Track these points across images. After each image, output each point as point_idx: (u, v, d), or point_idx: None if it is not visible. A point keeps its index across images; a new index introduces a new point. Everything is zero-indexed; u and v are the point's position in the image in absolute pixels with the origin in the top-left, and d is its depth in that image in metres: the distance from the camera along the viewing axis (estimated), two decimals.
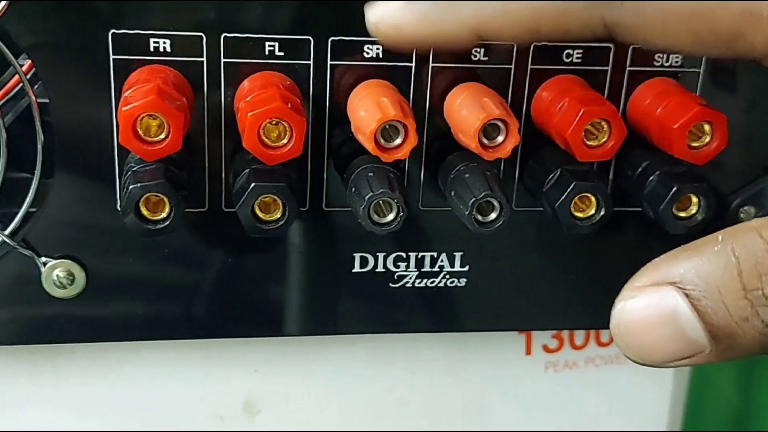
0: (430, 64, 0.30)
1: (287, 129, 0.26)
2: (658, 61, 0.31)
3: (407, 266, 0.33)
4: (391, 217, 0.28)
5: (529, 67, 0.30)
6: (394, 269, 0.33)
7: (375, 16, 0.24)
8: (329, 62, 0.29)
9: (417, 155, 0.31)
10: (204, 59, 0.29)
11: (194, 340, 0.35)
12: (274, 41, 0.29)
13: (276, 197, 0.27)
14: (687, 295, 0.20)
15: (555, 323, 0.35)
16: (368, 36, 0.24)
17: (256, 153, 0.26)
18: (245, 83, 0.29)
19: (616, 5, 0.22)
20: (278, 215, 0.27)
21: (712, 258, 0.21)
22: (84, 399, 0.37)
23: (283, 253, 0.32)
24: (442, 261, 0.33)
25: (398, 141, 0.27)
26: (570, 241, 0.33)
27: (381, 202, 0.28)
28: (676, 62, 0.31)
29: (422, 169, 0.31)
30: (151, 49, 0.28)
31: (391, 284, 0.33)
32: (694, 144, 0.29)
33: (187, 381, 0.37)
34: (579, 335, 0.42)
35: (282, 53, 0.29)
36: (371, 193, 0.27)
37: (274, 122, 0.26)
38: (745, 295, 0.20)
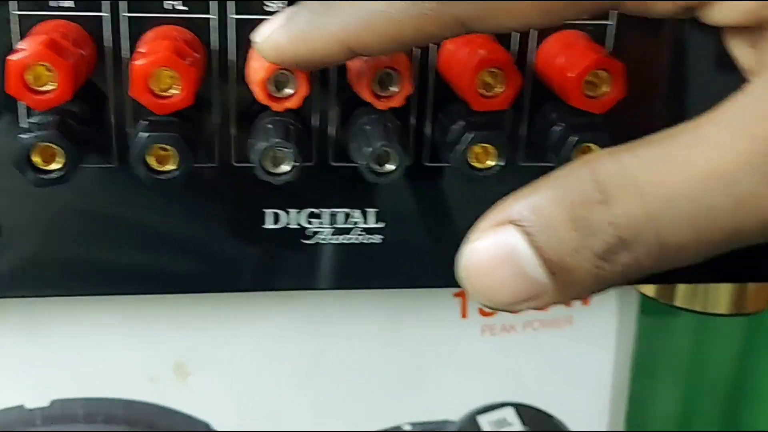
0: None
1: (177, 79, 0.26)
2: None
3: (320, 222, 0.33)
4: (285, 167, 0.28)
5: None
6: (306, 225, 0.33)
7: (259, 36, 0.25)
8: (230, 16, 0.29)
9: (325, 108, 0.31)
10: (109, 14, 0.29)
11: (119, 299, 0.36)
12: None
13: (170, 147, 0.27)
14: (525, 233, 0.21)
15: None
16: None
17: (146, 103, 0.26)
18: (147, 35, 0.29)
19: (463, 1, 0.22)
20: (173, 166, 0.28)
21: (545, 192, 0.21)
22: (13, 359, 0.37)
23: (194, 209, 0.32)
24: (356, 217, 0.33)
25: (290, 91, 0.27)
26: (484, 196, 0.33)
27: (275, 152, 0.28)
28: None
29: (333, 123, 0.31)
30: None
31: (304, 240, 0.33)
32: (592, 93, 0.28)
33: (116, 343, 0.38)
34: None
35: (186, 8, 0.29)
36: (266, 144, 0.27)
37: (166, 73, 0.26)
38: (573, 226, 0.20)
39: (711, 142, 0.20)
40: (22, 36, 0.28)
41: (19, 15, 0.28)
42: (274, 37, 0.25)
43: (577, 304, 0.42)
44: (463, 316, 0.41)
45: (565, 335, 0.43)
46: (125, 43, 0.29)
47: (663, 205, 0.20)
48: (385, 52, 0.24)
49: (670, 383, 0.61)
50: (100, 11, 0.29)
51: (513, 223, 0.21)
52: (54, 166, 0.27)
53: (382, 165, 0.28)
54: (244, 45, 0.29)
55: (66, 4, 0.28)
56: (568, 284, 0.21)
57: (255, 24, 0.29)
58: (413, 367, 0.41)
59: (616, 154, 0.21)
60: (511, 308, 0.22)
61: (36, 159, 0.27)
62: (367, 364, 0.41)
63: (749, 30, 0.23)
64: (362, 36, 0.23)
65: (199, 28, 0.29)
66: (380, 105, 0.27)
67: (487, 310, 0.41)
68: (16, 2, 0.28)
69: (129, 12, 0.29)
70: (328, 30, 0.24)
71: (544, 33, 0.31)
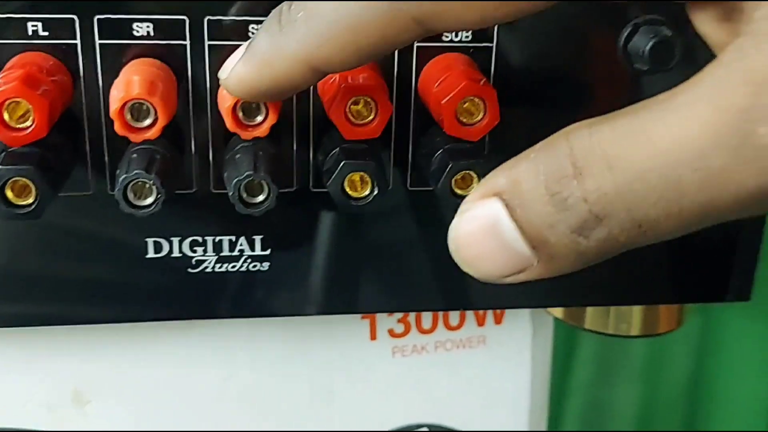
0: (207, 43, 0.29)
1: (29, 110, 0.26)
2: (447, 37, 0.30)
3: (204, 251, 0.32)
4: (149, 200, 0.27)
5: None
6: (191, 254, 0.32)
7: (223, 73, 0.25)
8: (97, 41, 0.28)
9: (203, 138, 0.30)
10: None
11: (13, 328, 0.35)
12: (37, 21, 0.28)
13: (25, 179, 0.26)
14: (507, 205, 0.20)
15: (359, 306, 0.35)
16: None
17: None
18: (9, 62, 0.28)
19: (416, 2, 0.21)
20: (31, 199, 0.27)
21: (525, 164, 0.21)
22: None
23: (74, 238, 0.31)
24: (241, 245, 0.32)
25: (148, 121, 0.26)
26: (369, 223, 0.32)
27: (138, 183, 0.27)
28: (467, 37, 0.30)
29: (210, 151, 0.30)
30: None
31: (189, 269, 0.32)
32: (467, 120, 0.28)
33: (12, 372, 0.37)
34: (426, 319, 0.41)
35: (46, 33, 0.28)
36: (125, 175, 0.27)
37: (15, 102, 0.26)
38: (550, 201, 0.20)
39: (680, 114, 0.19)
40: None
41: None
42: (237, 70, 0.24)
43: (490, 323, 0.42)
44: (372, 338, 0.40)
45: (479, 355, 0.42)
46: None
47: (632, 180, 0.20)
48: (350, 67, 0.23)
49: (628, 388, 0.61)
50: None
51: (497, 195, 0.21)
52: (27, 200, 0.26)
53: (253, 195, 0.28)
54: (113, 70, 0.28)
55: None
56: (550, 258, 0.21)
57: (122, 48, 0.28)
58: (324, 390, 0.41)
59: (593, 125, 0.20)
60: (500, 281, 0.22)
61: (8, 193, 0.26)
62: (277, 389, 0.40)
63: (716, 4, 0.22)
64: (323, 51, 0.22)
65: (64, 54, 0.28)
66: (245, 135, 0.27)
67: (394, 335, 0.41)
68: None
69: None
70: (288, 50, 0.23)
71: (425, 56, 0.30)
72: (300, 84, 0.23)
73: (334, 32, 0.22)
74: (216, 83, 0.29)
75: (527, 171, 0.21)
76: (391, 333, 0.41)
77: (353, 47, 0.22)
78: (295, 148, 0.31)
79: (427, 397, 0.42)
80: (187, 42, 0.29)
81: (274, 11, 0.23)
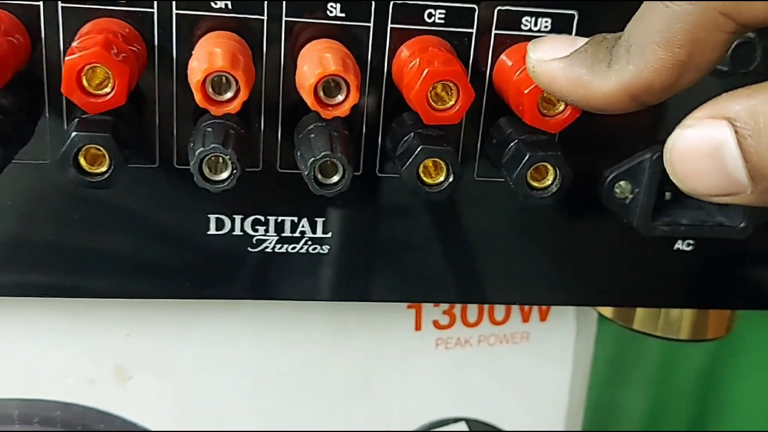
0: (284, 19, 0.28)
1: (110, 76, 0.25)
2: (526, 25, 0.29)
3: (266, 230, 0.31)
4: (224, 174, 0.27)
5: (390, 26, 0.29)
6: (252, 233, 0.31)
7: (535, 56, 0.26)
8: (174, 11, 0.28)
9: (274, 115, 0.30)
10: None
11: (61, 300, 0.34)
12: None
13: (100, 148, 0.26)
14: (737, 133, 0.21)
15: (424, 295, 0.34)
16: None
17: (78, 101, 0.25)
18: (84, 27, 0.27)
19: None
20: (104, 168, 0.26)
21: (766, 99, 0.21)
22: None
23: (138, 211, 0.31)
24: (303, 226, 0.32)
25: (229, 95, 0.26)
26: (437, 210, 0.32)
27: (213, 158, 0.26)
28: (546, 26, 0.29)
29: (279, 129, 0.30)
30: None
31: (249, 248, 0.32)
32: (548, 112, 0.27)
33: (56, 343, 0.36)
34: (472, 312, 0.41)
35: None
36: (203, 149, 0.26)
37: (94, 69, 0.25)
38: None
39: None
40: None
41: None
42: (551, 68, 0.25)
43: (534, 320, 0.41)
44: (417, 328, 0.40)
45: (522, 351, 0.42)
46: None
47: None
48: (672, 88, 0.24)
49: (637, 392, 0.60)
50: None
51: (728, 120, 0.21)
52: (100, 169, 0.26)
53: (327, 176, 0.27)
54: (187, 41, 0.28)
55: None
56: (765, 191, 0.21)
57: (200, 20, 0.28)
58: (363, 378, 0.40)
59: None
60: (706, 198, 0.22)
61: (81, 161, 0.26)
62: (315, 374, 0.40)
63: None
64: (652, 87, 0.23)
65: (140, 23, 0.28)
66: (326, 114, 0.26)
67: None
68: None
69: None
70: (612, 83, 0.24)
71: (502, 45, 0.30)
72: (609, 107, 0.24)
73: (668, 73, 0.23)
74: (289, 61, 0.29)
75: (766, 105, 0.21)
76: (436, 324, 0.40)
77: (679, 66, 0.23)
78: (364, 131, 0.30)
79: (466, 390, 0.42)
80: (265, 17, 0.28)
81: (607, 42, 0.24)
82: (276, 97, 0.29)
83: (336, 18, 0.29)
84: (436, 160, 0.28)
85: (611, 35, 0.25)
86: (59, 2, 0.27)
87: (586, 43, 0.25)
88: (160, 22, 0.28)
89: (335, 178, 0.27)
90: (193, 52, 0.27)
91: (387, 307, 0.39)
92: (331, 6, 0.28)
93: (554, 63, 0.25)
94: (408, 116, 0.29)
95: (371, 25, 0.29)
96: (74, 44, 0.26)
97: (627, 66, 0.23)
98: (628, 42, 0.23)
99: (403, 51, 0.29)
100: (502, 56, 0.29)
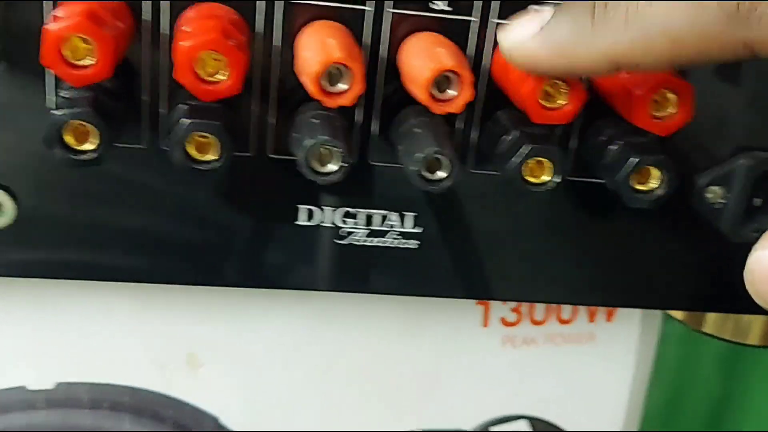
0: (389, 11, 0.28)
1: (226, 64, 0.25)
2: None
3: (355, 223, 0.31)
4: (332, 167, 0.26)
5: (490, 20, 0.28)
6: (341, 225, 0.31)
7: (508, 43, 0.25)
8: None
9: (370, 107, 0.29)
10: None
11: (135, 284, 0.34)
12: None
13: (211, 136, 0.26)
14: None
15: (509, 294, 0.34)
16: None
17: (190, 87, 0.25)
18: (189, 12, 0.27)
19: (756, 24, 0.21)
20: (213, 156, 0.26)
21: None
22: (19, 339, 0.35)
23: (225, 198, 0.30)
24: (393, 220, 0.31)
25: (343, 86, 0.26)
26: (529, 209, 0.32)
27: (322, 150, 0.26)
28: None
29: (375, 121, 0.30)
30: None
31: (336, 240, 0.31)
32: (658, 114, 0.27)
33: (128, 328, 0.36)
34: (539, 310, 0.40)
35: None
36: (313, 140, 0.26)
37: (213, 56, 0.25)
38: None
39: None
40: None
41: None
42: (529, 46, 0.24)
43: (601, 320, 0.41)
44: (485, 325, 0.40)
45: (586, 351, 0.42)
46: (165, 19, 0.27)
47: None
48: (657, 70, 0.24)
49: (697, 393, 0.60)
50: None
51: None
52: (87, 146, 0.25)
53: (432, 172, 0.27)
54: (290, 30, 0.28)
55: None
56: None
57: (304, 9, 0.28)
58: (429, 373, 0.40)
59: None
60: None
61: (68, 138, 0.25)
62: (383, 368, 0.40)
63: None
64: (636, 55, 0.22)
65: (244, 9, 0.28)
66: (438, 109, 0.26)
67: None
68: None
69: None
70: (597, 47, 0.23)
71: None
72: (595, 74, 0.24)
73: (656, 41, 0.22)
74: (389, 53, 0.28)
75: None
76: (504, 321, 0.40)
77: (668, 55, 0.22)
78: (458, 126, 0.30)
79: (530, 388, 0.42)
80: (372, 8, 0.28)
81: (583, 2, 0.23)
82: (372, 88, 0.29)
83: (441, 11, 0.28)
84: (540, 159, 0.27)
85: None
86: None
87: (557, 8, 0.24)
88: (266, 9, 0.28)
89: (442, 174, 0.27)
90: (297, 41, 0.27)
91: (456, 302, 0.39)
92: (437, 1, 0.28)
93: (531, 42, 0.24)
94: (505, 114, 0.29)
95: (476, 19, 0.28)
96: (185, 29, 0.26)
97: (623, 32, 0.22)
98: (627, 7, 0.22)
99: None
100: None
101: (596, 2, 0.23)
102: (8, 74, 0.27)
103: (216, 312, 0.37)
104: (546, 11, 0.24)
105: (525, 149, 0.27)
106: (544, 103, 0.27)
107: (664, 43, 0.22)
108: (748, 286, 0.22)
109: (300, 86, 0.27)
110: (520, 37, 0.24)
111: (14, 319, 0.35)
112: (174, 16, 0.27)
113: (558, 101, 0.27)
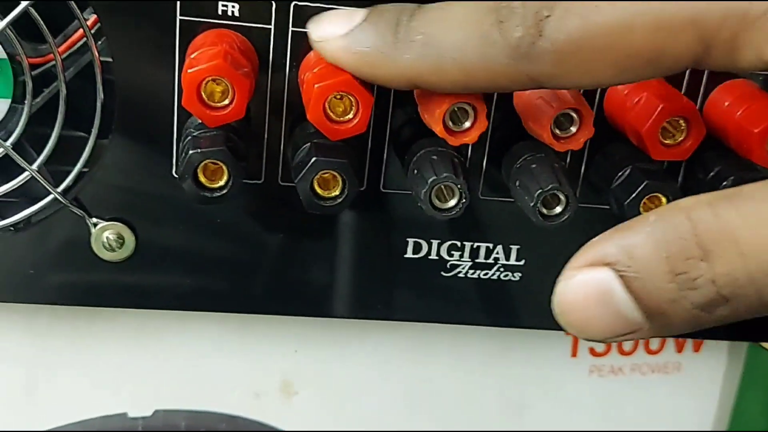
0: None
1: (353, 104, 0.25)
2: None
3: (461, 256, 0.32)
4: (452, 203, 0.27)
5: None
6: (447, 258, 0.32)
7: (315, 36, 0.25)
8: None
9: (481, 142, 0.30)
10: (272, 26, 0.28)
11: (235, 314, 0.35)
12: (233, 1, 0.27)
13: (336, 173, 0.26)
14: (621, 276, 0.20)
15: None
16: None
17: (321, 127, 0.26)
18: (312, 54, 0.28)
19: (535, 59, 0.22)
20: (337, 192, 0.27)
21: (644, 239, 0.20)
22: (120, 367, 0.36)
23: (336, 232, 0.31)
24: (497, 253, 0.32)
25: (467, 124, 0.26)
26: None
27: (443, 186, 0.27)
28: None
29: (485, 156, 0.30)
30: (219, 12, 0.27)
31: (443, 273, 0.32)
32: (668, 141, 0.27)
33: (224, 356, 0.37)
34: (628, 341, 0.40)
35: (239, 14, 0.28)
36: (435, 177, 0.26)
37: (339, 96, 0.25)
38: (672, 279, 0.20)
39: None
40: (182, 41, 0.27)
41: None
42: (334, 46, 0.25)
43: (688, 350, 0.41)
44: (573, 355, 0.40)
45: (672, 382, 0.42)
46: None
47: (765, 267, 0.19)
48: (450, 93, 0.25)
49: None
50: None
51: (608, 265, 0.20)
52: (218, 183, 0.26)
53: (550, 208, 0.27)
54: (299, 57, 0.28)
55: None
56: (664, 325, 0.21)
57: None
58: (516, 402, 0.40)
59: (714, 205, 0.20)
60: (605, 341, 0.22)
61: (200, 176, 0.26)
62: (470, 397, 0.40)
63: None
64: (431, 78, 0.23)
65: (254, 36, 0.28)
66: (559, 147, 0.26)
67: (598, 349, 0.40)
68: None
69: (294, 26, 0.28)
70: (396, 64, 0.24)
71: (715, 81, 0.30)
72: (396, 88, 0.25)
73: (449, 68, 0.23)
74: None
75: (644, 245, 0.20)
76: (592, 352, 0.40)
77: (464, 84, 0.23)
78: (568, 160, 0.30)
79: (615, 417, 0.42)
80: None
81: (389, 16, 0.24)
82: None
83: None
84: (658, 195, 0.28)
85: (392, 6, 0.24)
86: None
87: (367, 16, 0.24)
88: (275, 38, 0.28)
89: (558, 209, 0.27)
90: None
91: (545, 333, 0.39)
92: None
93: (335, 42, 0.24)
94: (618, 148, 0.29)
95: None
96: (192, 56, 0.26)
97: (420, 56, 0.23)
98: (425, 33, 0.23)
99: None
100: (716, 91, 0.29)
101: (400, 21, 0.23)
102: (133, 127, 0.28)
103: (310, 340, 0.37)
104: (357, 15, 0.24)
105: (645, 185, 0.27)
106: (663, 140, 0.27)
107: (456, 72, 0.23)
108: (557, 319, 0.22)
109: (415, 123, 0.28)
110: (326, 35, 0.25)
111: (116, 348, 0.36)
112: (294, 57, 0.28)
113: (677, 137, 0.27)
